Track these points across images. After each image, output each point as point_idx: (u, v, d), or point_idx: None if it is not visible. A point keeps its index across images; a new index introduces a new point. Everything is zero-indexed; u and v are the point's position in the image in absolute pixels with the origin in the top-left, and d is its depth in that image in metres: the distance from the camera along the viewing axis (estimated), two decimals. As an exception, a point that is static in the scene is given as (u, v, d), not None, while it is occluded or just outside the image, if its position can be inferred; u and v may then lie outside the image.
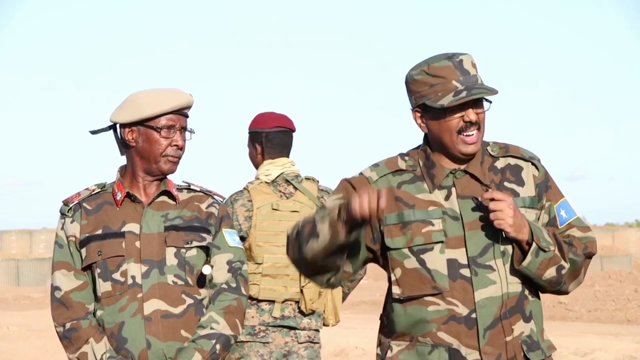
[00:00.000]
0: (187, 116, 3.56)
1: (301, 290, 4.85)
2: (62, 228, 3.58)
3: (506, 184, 3.24)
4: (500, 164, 3.27)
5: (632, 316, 18.26)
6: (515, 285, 3.18)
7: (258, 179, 4.94)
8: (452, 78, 3.18)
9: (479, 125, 3.20)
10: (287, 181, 4.94)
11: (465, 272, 3.16)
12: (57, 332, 3.55)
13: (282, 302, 4.85)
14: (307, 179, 4.98)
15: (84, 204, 3.58)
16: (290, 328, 4.85)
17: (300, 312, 4.88)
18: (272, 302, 4.84)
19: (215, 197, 3.65)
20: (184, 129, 3.55)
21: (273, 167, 4.93)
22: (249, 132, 5.03)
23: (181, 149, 3.54)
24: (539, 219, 3.26)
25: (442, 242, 3.19)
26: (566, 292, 3.29)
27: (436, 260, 3.19)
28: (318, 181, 5.01)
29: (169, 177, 3.61)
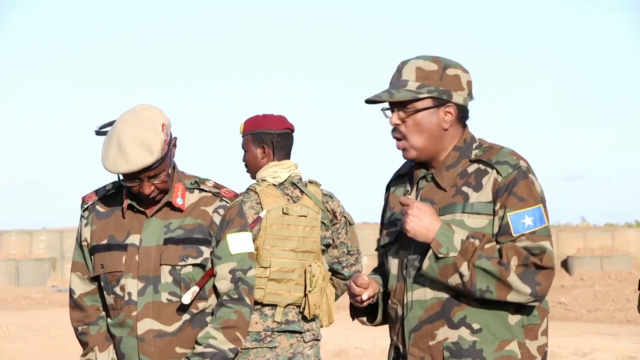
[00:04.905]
0: (154, 168, 3.38)
1: (306, 295, 4.76)
2: (80, 229, 3.59)
3: (464, 187, 3.16)
4: (472, 168, 3.19)
5: (632, 316, 18.24)
6: (441, 291, 3.13)
7: (265, 180, 4.80)
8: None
9: (401, 133, 3.17)
10: (293, 184, 4.83)
11: (405, 273, 3.18)
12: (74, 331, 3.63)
13: (285, 306, 4.75)
14: (311, 182, 4.88)
15: (97, 207, 3.57)
16: (296, 332, 4.77)
17: (303, 317, 4.79)
18: (274, 306, 4.74)
19: (225, 199, 3.56)
20: (154, 176, 3.40)
21: (281, 170, 4.80)
22: (253, 134, 4.86)
23: (158, 189, 3.44)
24: (494, 225, 3.13)
25: (396, 243, 3.22)
26: (508, 303, 3.09)
27: (390, 260, 3.23)
28: (320, 184, 4.91)
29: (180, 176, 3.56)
